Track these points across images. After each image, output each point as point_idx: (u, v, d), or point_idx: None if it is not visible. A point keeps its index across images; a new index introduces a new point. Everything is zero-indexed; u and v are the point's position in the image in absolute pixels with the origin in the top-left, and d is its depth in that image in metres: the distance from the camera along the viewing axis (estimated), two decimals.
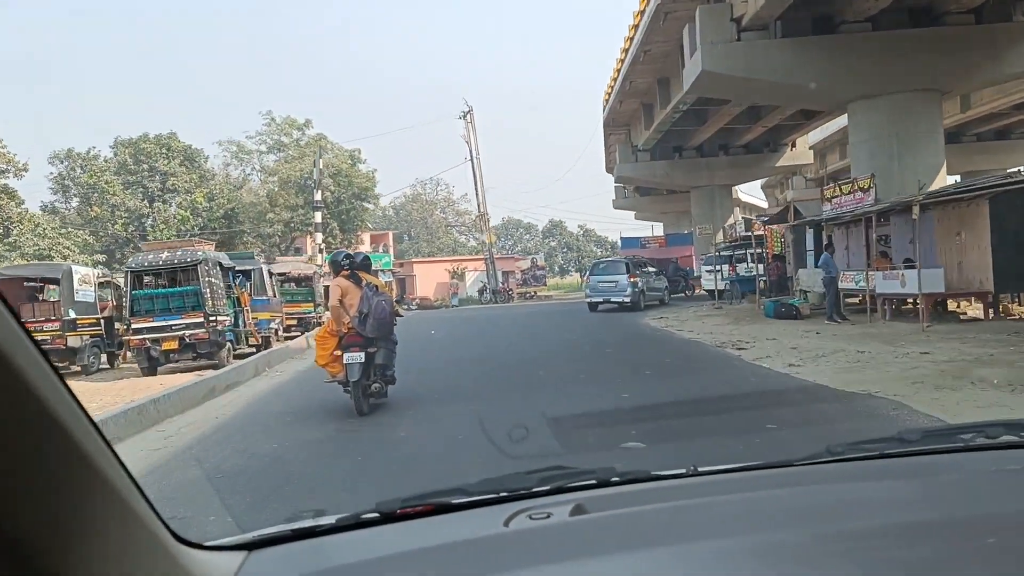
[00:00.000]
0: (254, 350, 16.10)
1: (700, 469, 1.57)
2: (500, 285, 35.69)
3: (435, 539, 1.27)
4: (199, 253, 14.88)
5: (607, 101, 37.04)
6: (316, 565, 1.21)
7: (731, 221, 38.23)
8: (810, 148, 39.75)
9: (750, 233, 32.74)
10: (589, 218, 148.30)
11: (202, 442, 7.42)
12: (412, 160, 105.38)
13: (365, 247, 53.85)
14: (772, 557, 1.11)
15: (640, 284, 24.62)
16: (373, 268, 34.18)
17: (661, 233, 50.43)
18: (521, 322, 22.22)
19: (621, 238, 47.13)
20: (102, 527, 0.79)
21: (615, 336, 16.33)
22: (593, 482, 1.48)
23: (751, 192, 60.15)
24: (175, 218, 34.31)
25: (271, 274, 19.60)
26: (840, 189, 17.96)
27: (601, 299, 24.67)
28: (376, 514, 1.37)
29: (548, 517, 1.29)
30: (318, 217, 32.08)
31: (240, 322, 15.89)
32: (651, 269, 27.43)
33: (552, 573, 1.09)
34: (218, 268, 15.15)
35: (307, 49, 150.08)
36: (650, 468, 1.58)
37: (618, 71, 30.54)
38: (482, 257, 37.56)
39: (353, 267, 8.28)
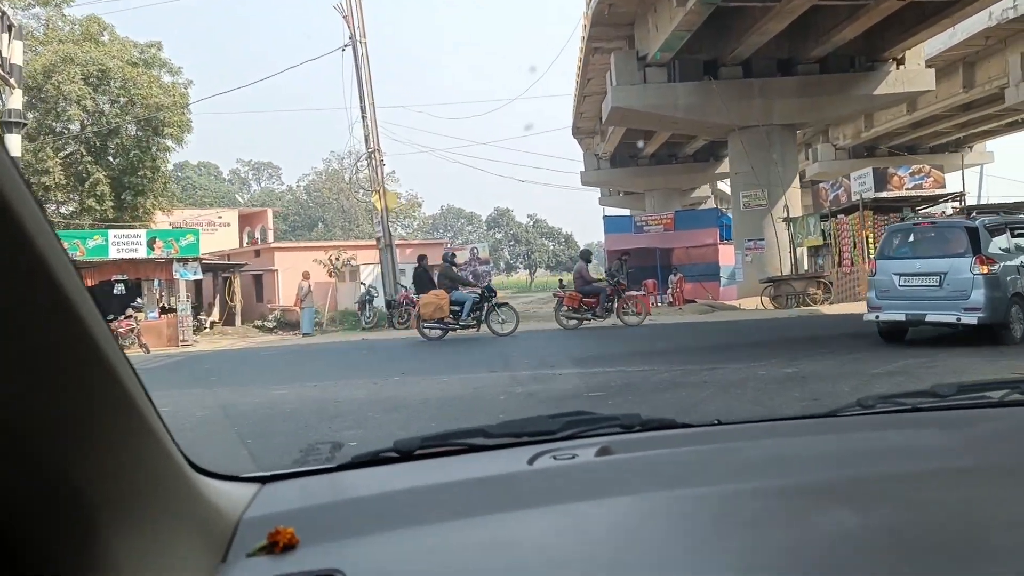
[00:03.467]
0: None
1: (725, 420, 1.55)
2: (403, 291, 19.04)
3: (454, 476, 1.23)
4: None
5: None
6: (330, 496, 1.20)
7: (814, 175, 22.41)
8: (927, 65, 24.20)
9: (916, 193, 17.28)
10: (544, 203, 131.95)
11: None
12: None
13: (237, 225, 37.68)
14: (803, 497, 1.09)
15: (1012, 279, 9.82)
16: (168, 256, 16.81)
17: (645, 219, 33.70)
18: None
19: (605, 217, 31.42)
20: (123, 446, 0.80)
21: None
22: (617, 428, 1.44)
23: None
24: None
25: None
26: None
27: (904, 315, 10.15)
28: (394, 453, 1.33)
29: (574, 458, 1.27)
30: (13, 146, 15.31)
31: None
32: None
33: (577, 510, 1.07)
34: None
35: None
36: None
37: None
38: (375, 243, 20.56)
39: None
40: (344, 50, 18.90)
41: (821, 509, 1.04)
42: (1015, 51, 25.26)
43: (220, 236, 37.28)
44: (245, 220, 40.45)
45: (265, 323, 24.54)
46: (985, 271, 9.36)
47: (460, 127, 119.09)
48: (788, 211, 21.97)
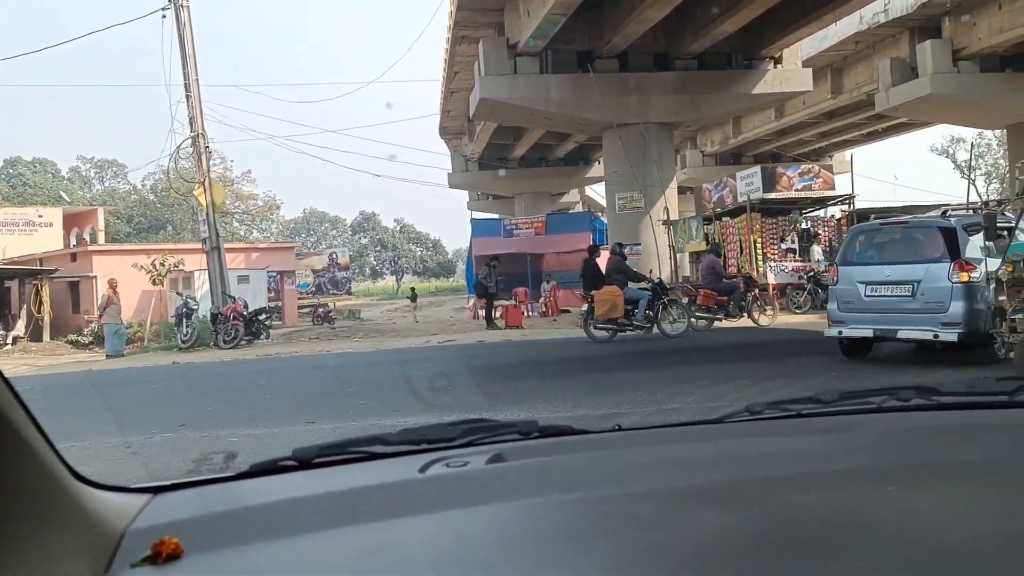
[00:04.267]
0: None
1: (622, 426, 1.58)
2: (233, 303, 16.15)
3: (347, 484, 1.24)
4: None
5: None
6: (222, 505, 1.19)
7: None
8: (808, 63, 23.54)
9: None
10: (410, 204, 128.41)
11: None
12: None
13: (62, 225, 34.25)
14: (684, 501, 1.13)
15: (995, 288, 7.91)
16: None
17: (517, 223, 31.41)
18: None
19: (472, 221, 29.41)
20: None
21: None
22: (515, 435, 1.47)
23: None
24: None
25: None
26: None
27: (872, 330, 8.72)
28: (293, 461, 1.33)
29: (465, 465, 1.28)
30: None
31: None
32: None
33: (460, 516, 1.09)
34: None
35: None
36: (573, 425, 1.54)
37: None
38: (201, 247, 17.39)
39: None
40: (164, 16, 15.92)
41: (693, 512, 1.07)
42: (884, 56, 25.01)
43: (41, 238, 33.06)
44: (72, 220, 36.12)
45: (80, 338, 21.09)
46: (965, 279, 7.83)
47: (309, 113, 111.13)
48: (668, 213, 20.51)
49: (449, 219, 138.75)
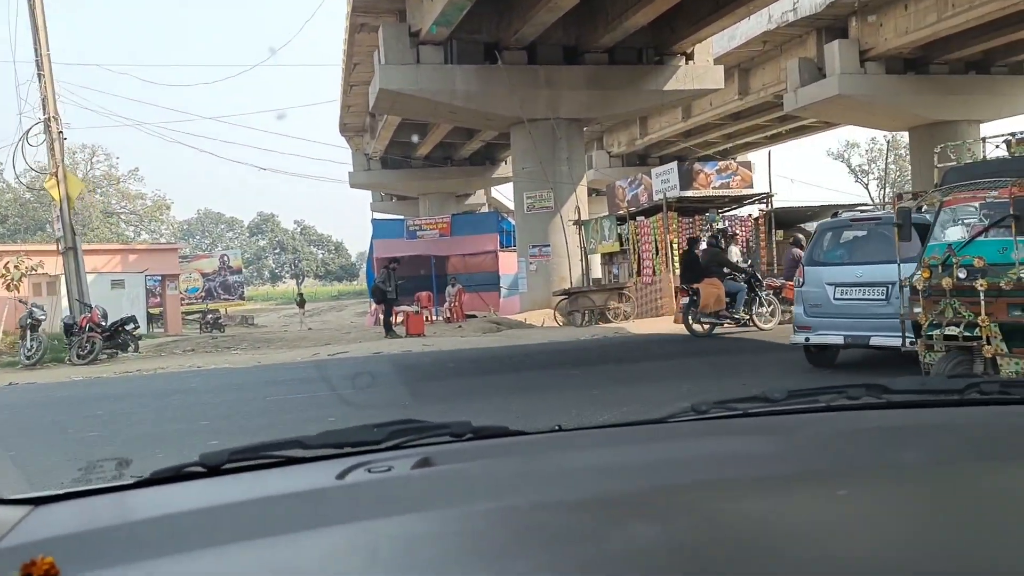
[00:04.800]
0: None
1: (563, 427, 1.49)
2: (90, 311, 14.04)
3: (256, 492, 1.15)
4: None
5: None
6: (115, 518, 1.11)
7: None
8: (716, 62, 22.94)
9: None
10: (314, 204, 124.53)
11: None
12: None
13: None
14: (620, 508, 1.07)
15: None
16: None
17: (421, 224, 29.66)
18: None
19: (373, 221, 28.02)
20: None
21: None
22: (447, 437, 1.36)
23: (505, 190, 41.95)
24: None
25: None
26: None
27: (842, 337, 7.99)
28: (200, 467, 1.23)
29: (389, 470, 1.20)
30: None
31: None
32: None
33: (375, 528, 1.00)
34: None
35: None
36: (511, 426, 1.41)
37: None
38: (55, 248, 15.29)
39: None
40: None
41: (629, 521, 1.02)
42: (792, 56, 24.84)
43: None
44: None
45: None
46: None
47: (194, 99, 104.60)
48: (579, 213, 19.51)
49: (353, 220, 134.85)
